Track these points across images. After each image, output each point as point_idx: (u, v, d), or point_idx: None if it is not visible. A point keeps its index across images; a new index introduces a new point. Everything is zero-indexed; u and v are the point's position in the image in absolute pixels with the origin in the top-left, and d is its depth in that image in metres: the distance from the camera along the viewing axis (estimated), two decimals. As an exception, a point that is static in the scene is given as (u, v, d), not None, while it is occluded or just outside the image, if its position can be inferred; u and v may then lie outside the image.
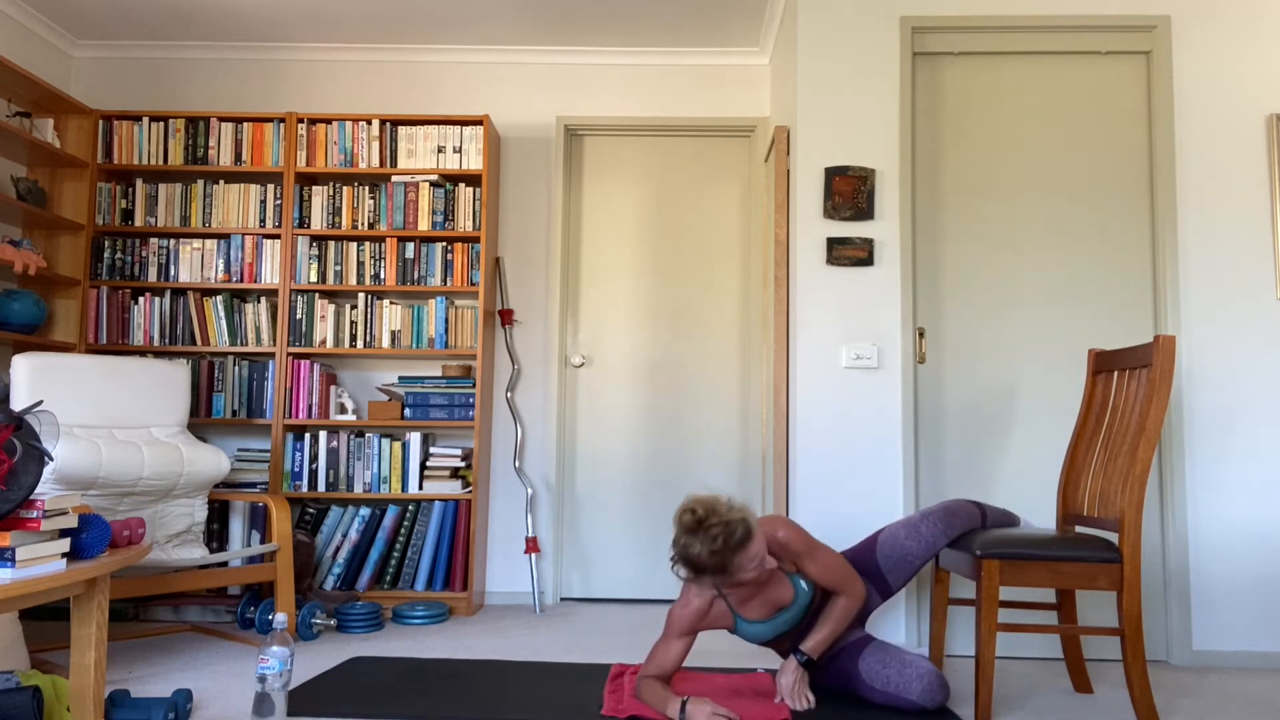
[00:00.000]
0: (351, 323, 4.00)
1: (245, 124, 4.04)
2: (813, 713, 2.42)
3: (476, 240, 4.01)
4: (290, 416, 3.92)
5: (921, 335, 3.25)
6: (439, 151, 4.02)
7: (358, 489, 3.90)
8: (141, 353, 3.99)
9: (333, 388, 3.98)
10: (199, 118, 4.03)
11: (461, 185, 4.04)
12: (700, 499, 2.27)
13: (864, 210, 3.23)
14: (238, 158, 4.02)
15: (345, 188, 4.02)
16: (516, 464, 4.12)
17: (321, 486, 3.90)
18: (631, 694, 2.53)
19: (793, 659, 2.48)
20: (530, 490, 4.08)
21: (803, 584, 2.46)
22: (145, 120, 4.03)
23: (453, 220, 4.00)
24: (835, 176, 3.24)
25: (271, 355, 4.02)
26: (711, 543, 2.20)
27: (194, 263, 4.00)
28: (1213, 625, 3.10)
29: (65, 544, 2.05)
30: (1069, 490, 2.79)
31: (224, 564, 3.72)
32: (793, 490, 3.25)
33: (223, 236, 4.03)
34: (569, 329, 4.31)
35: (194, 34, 4.21)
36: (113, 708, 2.22)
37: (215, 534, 3.86)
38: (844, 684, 2.50)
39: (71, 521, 2.07)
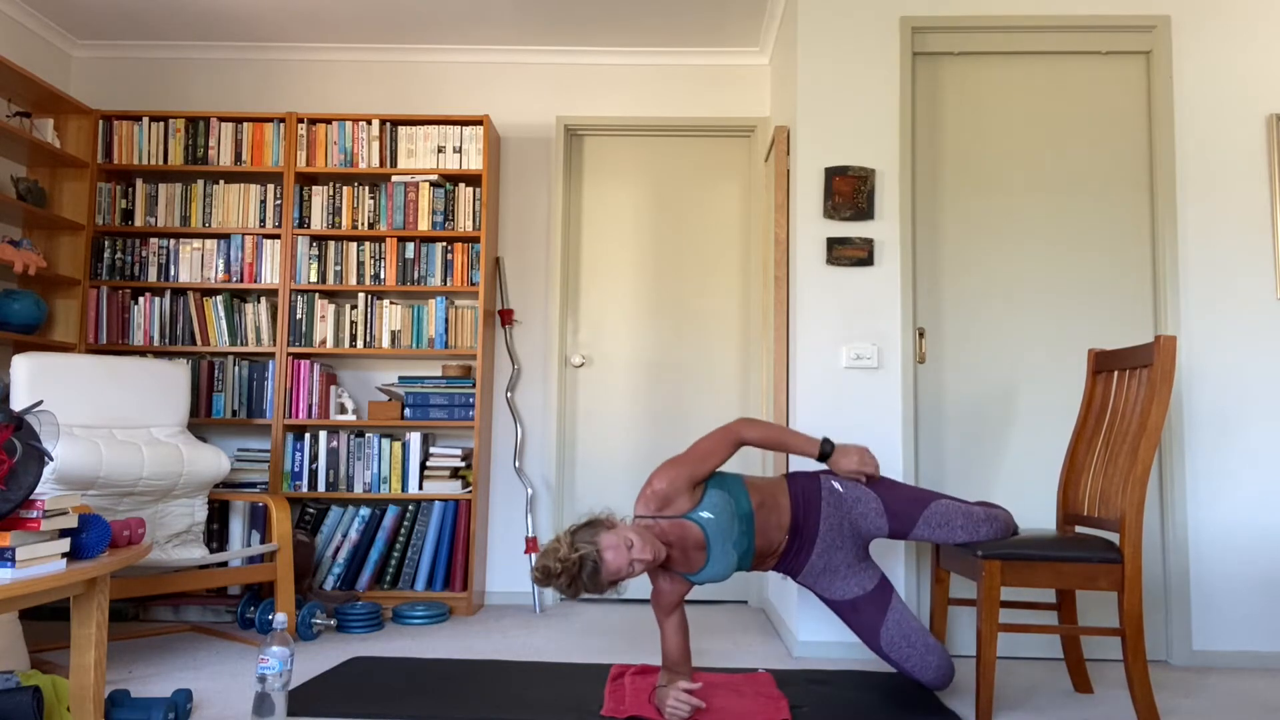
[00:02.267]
0: (351, 323, 4.00)
1: (245, 124, 4.04)
2: (814, 711, 2.43)
3: (476, 240, 4.01)
4: (290, 416, 3.92)
5: (921, 335, 3.25)
6: (439, 151, 4.02)
7: (358, 489, 3.90)
8: (141, 353, 3.99)
9: (333, 388, 3.98)
10: (199, 118, 4.03)
11: (461, 185, 4.04)
12: (545, 551, 2.33)
13: (864, 210, 3.23)
14: (238, 158, 4.02)
15: (345, 188, 4.02)
16: (516, 464, 4.12)
17: (321, 486, 3.90)
18: (632, 694, 2.53)
19: (834, 454, 2.53)
20: (530, 490, 4.08)
21: (704, 515, 2.43)
22: (145, 120, 4.03)
23: (453, 220, 4.00)
24: (835, 176, 3.24)
25: (271, 355, 4.02)
26: (568, 587, 2.30)
27: (194, 263, 4.00)
28: (1213, 625, 3.10)
29: (65, 544, 2.05)
30: (1069, 490, 2.79)
31: (224, 564, 3.72)
32: (793, 490, 3.25)
33: (223, 236, 4.03)
34: (569, 329, 4.31)
35: (194, 34, 4.21)
36: (113, 708, 2.22)
37: (215, 534, 3.86)
38: (861, 634, 2.57)
39: (71, 521, 2.07)
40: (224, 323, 3.97)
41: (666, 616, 2.48)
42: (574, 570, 2.27)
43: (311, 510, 3.92)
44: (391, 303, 4.00)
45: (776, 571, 2.63)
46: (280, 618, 2.26)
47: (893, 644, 2.50)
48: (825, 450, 2.50)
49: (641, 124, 4.31)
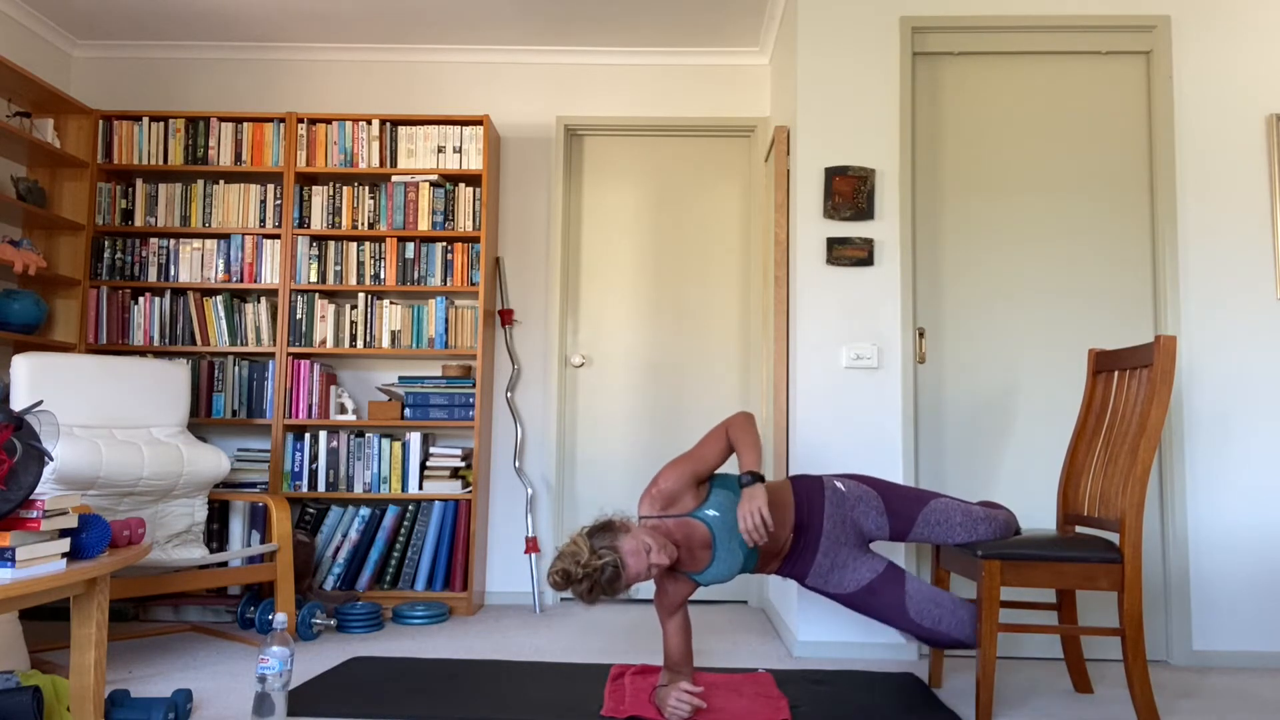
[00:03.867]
0: (351, 323, 4.00)
1: (245, 124, 4.04)
2: (814, 711, 2.43)
3: (476, 240, 4.01)
4: (290, 416, 3.92)
5: (921, 335, 3.25)
6: (439, 151, 4.02)
7: (358, 489, 3.90)
8: (141, 353, 3.99)
9: (333, 388, 3.98)
10: (199, 118, 4.03)
11: (461, 185, 4.04)
12: (562, 554, 2.30)
13: (864, 210, 3.23)
14: (238, 158, 4.02)
15: (345, 188, 4.02)
16: (516, 464, 4.12)
17: (321, 486, 3.90)
18: (632, 694, 2.53)
19: (745, 490, 2.39)
20: (530, 490, 4.08)
21: (710, 513, 2.43)
22: (145, 120, 4.03)
23: (453, 220, 4.00)
24: (835, 176, 3.24)
25: (271, 355, 4.01)
26: (588, 593, 2.28)
27: (194, 263, 4.00)
28: (1213, 625, 3.10)
29: (65, 544, 2.05)
30: (1069, 490, 2.79)
31: (224, 564, 3.72)
32: (793, 490, 3.25)
33: (223, 236, 4.03)
34: (569, 329, 4.31)
35: (194, 34, 4.21)
36: (113, 708, 2.22)
37: (215, 534, 3.86)
38: (886, 616, 2.52)
39: (71, 521, 2.07)
40: (224, 323, 3.97)
41: (669, 617, 2.48)
42: (596, 576, 2.26)
43: (311, 510, 3.92)
44: (391, 303, 4.00)
45: (781, 575, 2.62)
46: (280, 618, 2.26)
47: (922, 611, 2.47)
48: (744, 480, 2.40)
49: (641, 124, 4.31)
